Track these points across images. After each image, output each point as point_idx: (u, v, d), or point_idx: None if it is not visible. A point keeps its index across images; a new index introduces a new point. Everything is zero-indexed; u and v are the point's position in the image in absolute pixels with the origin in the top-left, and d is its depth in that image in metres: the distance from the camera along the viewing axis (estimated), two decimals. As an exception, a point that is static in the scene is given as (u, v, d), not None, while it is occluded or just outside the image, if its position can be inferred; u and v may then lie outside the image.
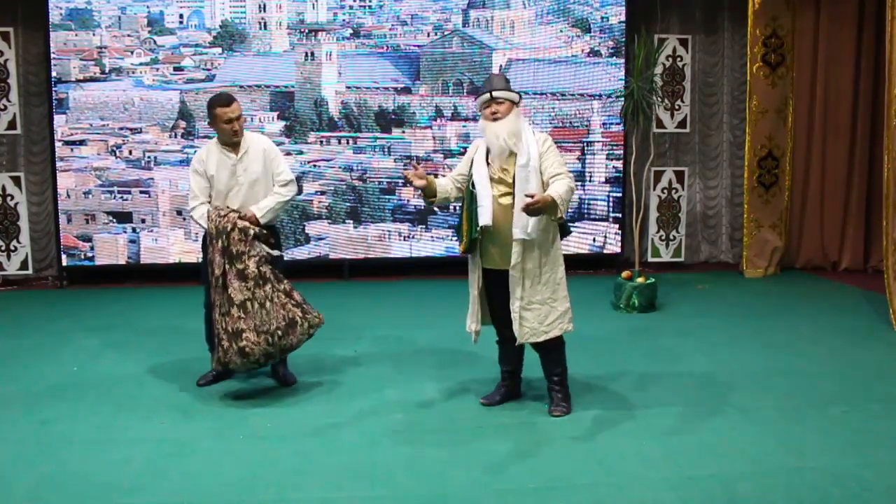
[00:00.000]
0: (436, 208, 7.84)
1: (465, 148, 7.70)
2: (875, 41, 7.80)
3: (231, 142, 4.67)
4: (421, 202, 7.80)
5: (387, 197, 7.83)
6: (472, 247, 4.28)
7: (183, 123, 7.55)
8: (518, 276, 4.20)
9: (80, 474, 3.71)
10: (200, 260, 4.92)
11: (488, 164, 4.25)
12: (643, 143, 7.51)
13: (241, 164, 4.69)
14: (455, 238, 7.42)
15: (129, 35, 7.46)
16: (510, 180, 4.18)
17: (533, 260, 4.21)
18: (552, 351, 4.39)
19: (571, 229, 4.54)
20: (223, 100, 4.66)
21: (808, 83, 7.99)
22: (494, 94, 4.20)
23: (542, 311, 4.25)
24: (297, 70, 7.68)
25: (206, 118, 4.93)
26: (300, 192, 7.69)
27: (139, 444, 4.03)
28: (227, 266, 4.46)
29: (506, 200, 4.19)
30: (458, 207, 7.85)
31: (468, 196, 4.27)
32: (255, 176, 4.69)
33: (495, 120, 4.19)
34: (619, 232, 8.06)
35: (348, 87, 7.75)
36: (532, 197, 3.96)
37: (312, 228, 7.80)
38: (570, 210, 7.86)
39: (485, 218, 4.15)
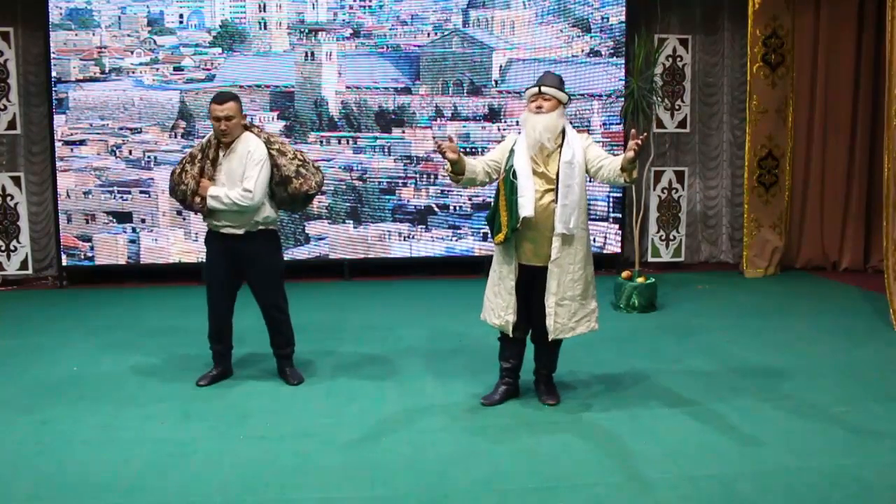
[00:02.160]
0: (435, 207, 7.84)
1: (465, 148, 7.77)
2: (875, 41, 7.81)
3: (220, 139, 4.65)
4: (421, 202, 7.82)
5: (387, 197, 7.83)
6: (509, 237, 4.28)
7: (183, 123, 7.55)
8: (556, 270, 4.26)
9: (80, 474, 3.71)
10: (202, 260, 4.91)
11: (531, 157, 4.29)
12: (643, 143, 7.49)
13: (225, 163, 4.65)
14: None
15: (129, 35, 7.46)
16: (552, 176, 4.24)
17: (570, 255, 4.28)
18: (555, 346, 4.52)
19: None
20: (218, 97, 4.67)
21: (808, 83, 7.99)
22: (543, 89, 4.27)
23: (572, 307, 4.33)
24: (297, 70, 7.67)
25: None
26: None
27: (139, 444, 4.03)
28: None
29: (546, 197, 4.23)
30: (460, 208, 7.91)
31: (507, 186, 4.26)
32: (233, 177, 4.61)
33: (538, 113, 4.25)
34: (619, 232, 8.06)
35: (348, 87, 7.75)
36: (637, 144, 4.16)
37: (312, 228, 7.80)
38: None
39: (527, 209, 4.18)
